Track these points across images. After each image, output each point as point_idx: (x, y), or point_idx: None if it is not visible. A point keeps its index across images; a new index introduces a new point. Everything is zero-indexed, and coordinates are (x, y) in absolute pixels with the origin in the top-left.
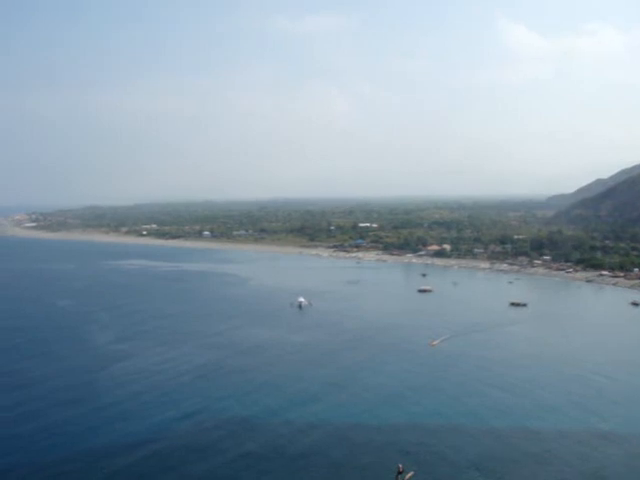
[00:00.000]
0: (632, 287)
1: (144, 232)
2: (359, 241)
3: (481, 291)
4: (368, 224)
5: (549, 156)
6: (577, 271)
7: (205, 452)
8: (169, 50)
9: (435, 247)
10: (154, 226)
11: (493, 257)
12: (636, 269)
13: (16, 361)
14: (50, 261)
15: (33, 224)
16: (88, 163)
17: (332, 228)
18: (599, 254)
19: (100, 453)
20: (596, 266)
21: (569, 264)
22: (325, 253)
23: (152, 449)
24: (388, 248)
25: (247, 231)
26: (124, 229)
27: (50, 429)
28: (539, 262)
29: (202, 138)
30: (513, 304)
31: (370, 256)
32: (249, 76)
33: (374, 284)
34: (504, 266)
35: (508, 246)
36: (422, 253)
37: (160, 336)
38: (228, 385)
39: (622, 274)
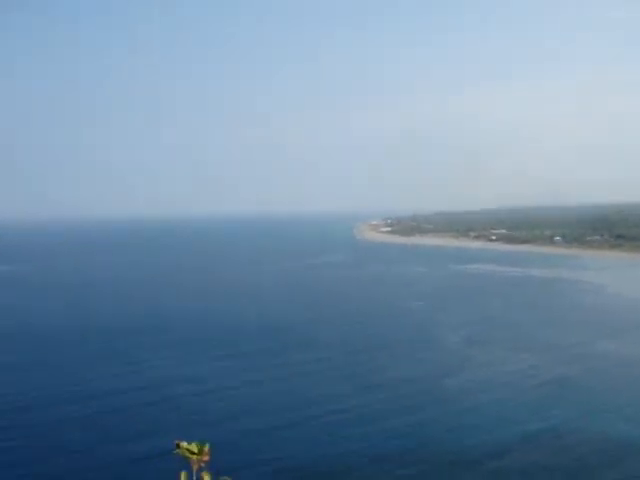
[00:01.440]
0: None
1: (492, 237)
2: None
3: None
4: None
5: None
6: None
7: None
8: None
9: None
10: (503, 231)
11: None
12: None
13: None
14: (402, 263)
15: (388, 229)
16: (440, 171)
17: None
18: None
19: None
20: None
21: None
22: None
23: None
24: None
25: (602, 236)
26: (473, 234)
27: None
28: None
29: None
30: None
31: None
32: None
33: None
34: None
35: None
36: None
37: (509, 342)
38: (601, 400)
39: None
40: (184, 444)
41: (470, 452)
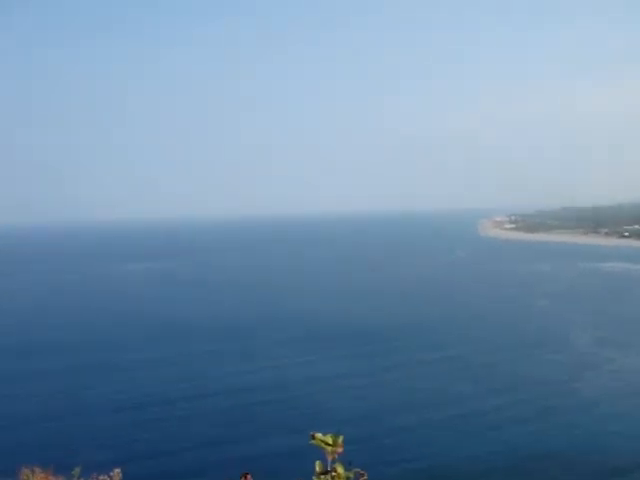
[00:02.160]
0: None
1: (625, 233)
2: None
3: None
4: None
5: None
6: None
7: None
8: None
9: None
10: (637, 227)
11: None
12: None
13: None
14: (527, 261)
15: (512, 225)
16: (566, 163)
17: None
18: None
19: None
20: None
21: None
22: None
23: None
24: None
25: None
26: (604, 230)
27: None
28: None
29: None
30: None
31: None
32: None
33: None
34: None
35: None
36: None
37: None
38: None
39: None
40: (319, 435)
41: (618, 460)
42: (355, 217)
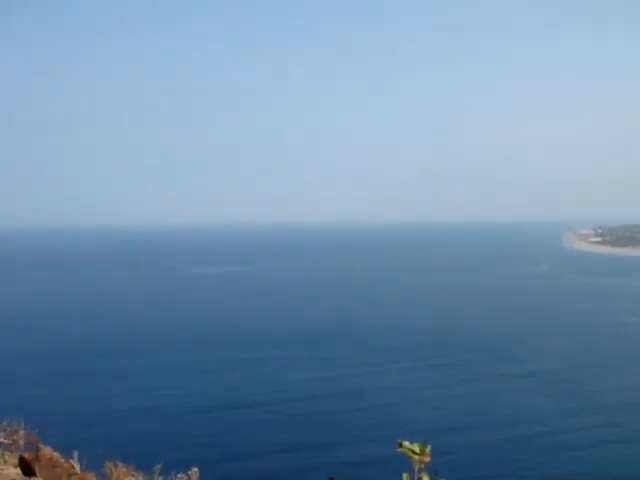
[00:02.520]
0: None
1: None
2: None
3: None
4: None
5: None
6: None
7: None
8: None
9: None
10: None
11: None
12: None
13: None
14: (613, 276)
15: (598, 239)
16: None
17: None
18: None
19: None
20: None
21: None
22: None
23: None
24: None
25: None
26: None
27: None
28: None
29: None
30: None
31: None
32: None
33: None
34: None
35: None
36: None
37: None
38: None
39: None
40: (406, 443)
41: None
42: (405, 227)
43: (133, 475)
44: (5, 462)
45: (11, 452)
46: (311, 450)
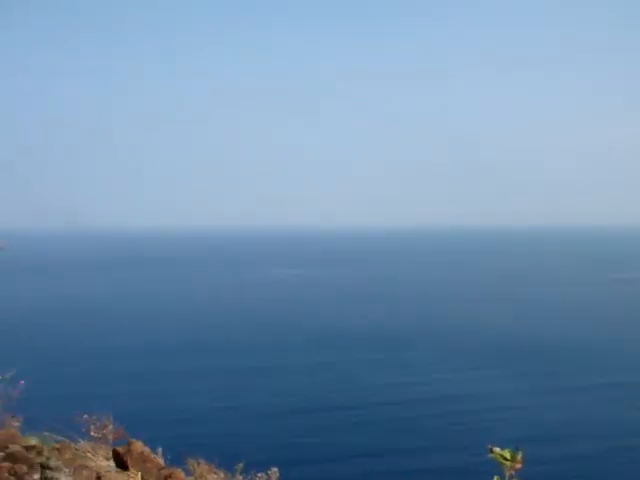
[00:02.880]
0: None
1: None
2: None
3: None
4: None
5: None
6: None
7: None
8: None
9: None
10: None
11: None
12: None
13: None
14: None
15: None
16: None
17: None
18: None
19: None
20: None
21: None
22: None
23: None
24: None
25: None
26: None
27: None
28: None
29: None
30: None
31: None
32: None
33: None
34: None
35: None
36: None
37: None
38: None
39: None
40: (497, 449)
41: None
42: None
43: (215, 473)
44: (95, 454)
45: (100, 446)
46: (393, 455)
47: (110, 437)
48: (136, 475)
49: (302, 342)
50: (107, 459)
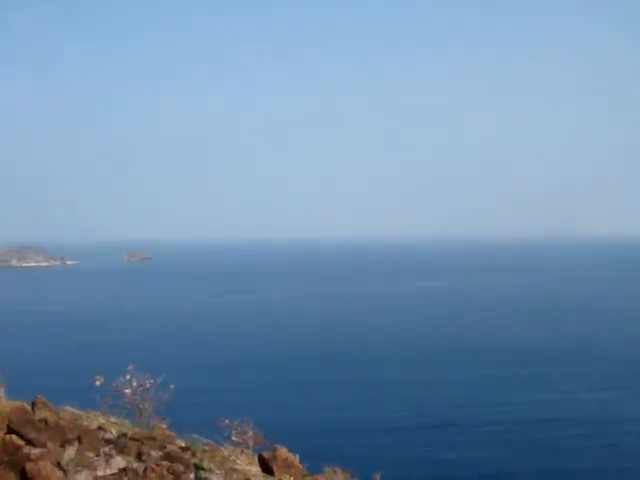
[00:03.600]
0: None
1: None
2: None
3: None
4: None
5: None
6: None
7: None
8: None
9: None
10: None
11: None
12: None
13: None
14: None
15: None
16: None
17: None
18: None
19: None
20: None
21: None
22: None
23: None
24: None
25: None
26: None
27: None
28: None
29: None
30: None
31: None
32: None
33: None
34: None
35: None
36: None
37: None
38: None
39: None
40: None
41: None
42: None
43: None
44: (237, 458)
45: (241, 451)
46: (539, 476)
47: (250, 442)
48: None
49: (465, 355)
50: (248, 464)
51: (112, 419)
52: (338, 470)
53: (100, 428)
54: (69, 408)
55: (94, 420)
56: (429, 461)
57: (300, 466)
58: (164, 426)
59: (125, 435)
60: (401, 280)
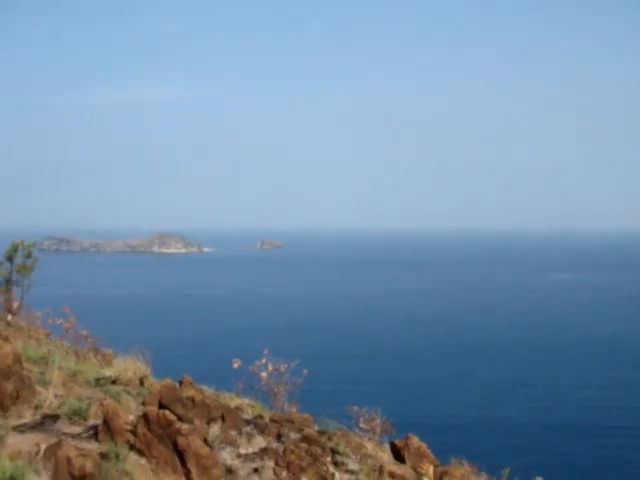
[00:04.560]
0: None
1: None
2: None
3: None
4: None
5: None
6: None
7: None
8: None
9: None
10: None
11: None
12: None
13: None
14: None
15: None
16: None
17: None
18: None
19: None
20: None
21: None
22: None
23: None
24: None
25: None
26: None
27: None
28: None
29: None
30: None
31: None
32: None
33: None
34: None
35: None
36: None
37: None
38: None
39: None
40: None
41: None
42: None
43: (478, 475)
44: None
45: (368, 439)
46: None
47: (378, 430)
48: (428, 468)
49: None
50: (376, 451)
51: (246, 401)
52: (464, 462)
53: (237, 408)
54: (206, 388)
55: (230, 401)
56: (560, 455)
57: (432, 455)
58: (294, 410)
59: (261, 416)
60: (534, 272)
